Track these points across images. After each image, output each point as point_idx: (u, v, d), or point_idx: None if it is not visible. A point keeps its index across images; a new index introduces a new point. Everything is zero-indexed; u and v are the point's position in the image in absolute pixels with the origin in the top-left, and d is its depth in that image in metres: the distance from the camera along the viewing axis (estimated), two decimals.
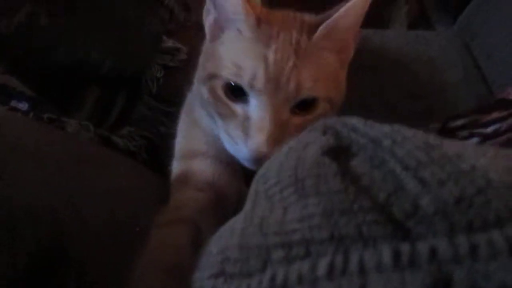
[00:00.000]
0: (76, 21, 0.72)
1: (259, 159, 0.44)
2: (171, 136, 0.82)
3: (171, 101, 0.82)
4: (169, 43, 0.82)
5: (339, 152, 0.27)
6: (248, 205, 0.25)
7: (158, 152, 0.81)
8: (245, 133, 0.45)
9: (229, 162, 0.55)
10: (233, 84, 0.46)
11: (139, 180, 0.57)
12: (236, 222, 0.24)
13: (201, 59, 0.54)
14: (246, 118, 0.46)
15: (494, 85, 1.04)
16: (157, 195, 0.55)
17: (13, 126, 0.44)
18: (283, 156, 0.26)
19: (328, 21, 0.48)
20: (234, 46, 0.48)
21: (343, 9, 0.47)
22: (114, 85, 0.78)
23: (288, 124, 0.47)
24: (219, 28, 0.50)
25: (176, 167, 0.59)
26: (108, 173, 0.50)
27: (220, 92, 0.47)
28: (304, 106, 0.48)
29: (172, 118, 0.83)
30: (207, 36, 0.53)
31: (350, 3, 0.47)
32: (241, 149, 0.46)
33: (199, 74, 0.53)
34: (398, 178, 0.21)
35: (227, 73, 0.46)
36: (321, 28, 0.48)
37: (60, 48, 0.71)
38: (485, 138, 0.54)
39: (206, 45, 0.53)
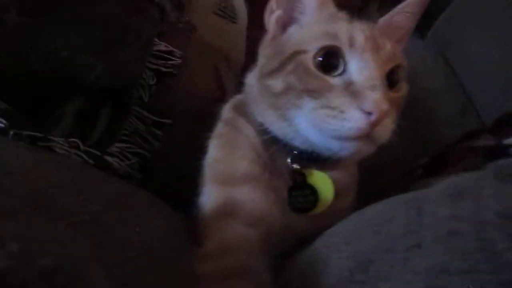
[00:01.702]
0: (54, 20, 0.59)
1: (376, 124, 0.42)
2: (169, 151, 0.72)
3: (165, 112, 0.73)
4: (161, 46, 0.72)
5: None
6: None
7: (153, 170, 0.71)
8: (354, 97, 0.43)
9: (280, 187, 0.48)
10: (321, 59, 0.46)
11: (160, 219, 0.47)
12: None
13: (265, 55, 0.54)
14: (349, 85, 0.44)
15: (473, 93, 1.07)
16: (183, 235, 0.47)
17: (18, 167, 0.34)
18: None
19: (384, 17, 0.56)
20: (317, 25, 0.50)
21: (397, 8, 0.56)
22: (99, 95, 0.67)
23: (387, 94, 0.46)
24: (286, 22, 0.53)
25: (212, 195, 0.50)
26: (131, 219, 0.40)
27: (311, 65, 0.46)
28: (390, 83, 0.49)
29: (167, 130, 0.73)
30: (271, 33, 0.54)
31: (403, 4, 0.55)
32: (351, 117, 0.42)
33: (265, 68, 0.51)
34: None
35: (320, 43, 0.46)
36: (380, 20, 0.55)
37: (36, 52, 0.58)
38: None
39: (268, 43, 0.54)
